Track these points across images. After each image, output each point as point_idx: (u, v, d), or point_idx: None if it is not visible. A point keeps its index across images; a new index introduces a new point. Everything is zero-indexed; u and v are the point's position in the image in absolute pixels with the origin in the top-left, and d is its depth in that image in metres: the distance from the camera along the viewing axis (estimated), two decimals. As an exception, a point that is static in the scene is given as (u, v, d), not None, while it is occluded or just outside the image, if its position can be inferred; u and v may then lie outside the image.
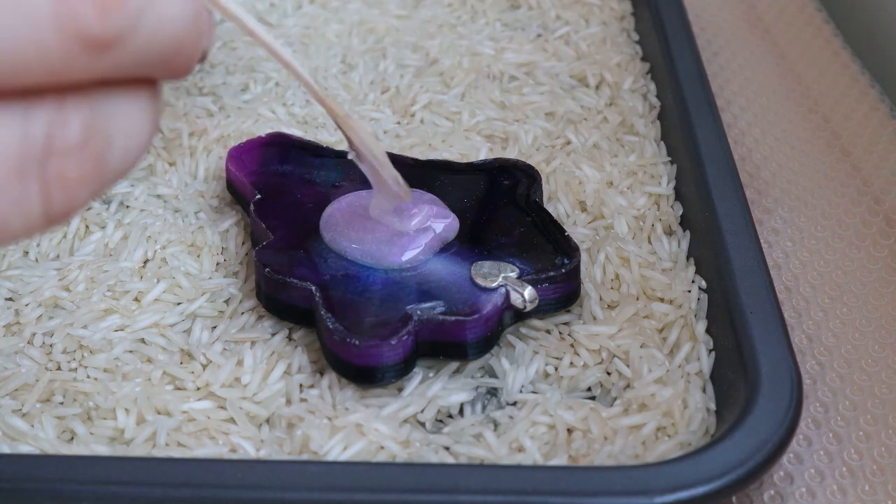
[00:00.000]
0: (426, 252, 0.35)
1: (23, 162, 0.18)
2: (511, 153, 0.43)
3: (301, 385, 0.34)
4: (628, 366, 0.34)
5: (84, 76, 0.19)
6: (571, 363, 0.34)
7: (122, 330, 0.35)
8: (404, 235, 0.35)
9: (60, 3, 0.18)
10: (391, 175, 0.33)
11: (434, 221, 0.36)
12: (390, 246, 0.35)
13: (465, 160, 0.42)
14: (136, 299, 0.36)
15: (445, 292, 0.34)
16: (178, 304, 0.36)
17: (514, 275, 0.34)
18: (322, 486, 0.28)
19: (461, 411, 0.33)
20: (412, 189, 0.35)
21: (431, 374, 0.34)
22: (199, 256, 0.38)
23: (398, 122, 0.46)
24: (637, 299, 0.36)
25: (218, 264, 0.38)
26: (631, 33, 0.51)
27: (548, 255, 0.35)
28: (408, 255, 0.35)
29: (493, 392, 0.34)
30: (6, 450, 0.31)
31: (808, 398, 0.35)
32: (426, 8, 0.54)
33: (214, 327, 0.36)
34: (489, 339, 0.33)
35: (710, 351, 0.34)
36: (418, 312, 0.33)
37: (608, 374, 0.34)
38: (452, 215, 0.36)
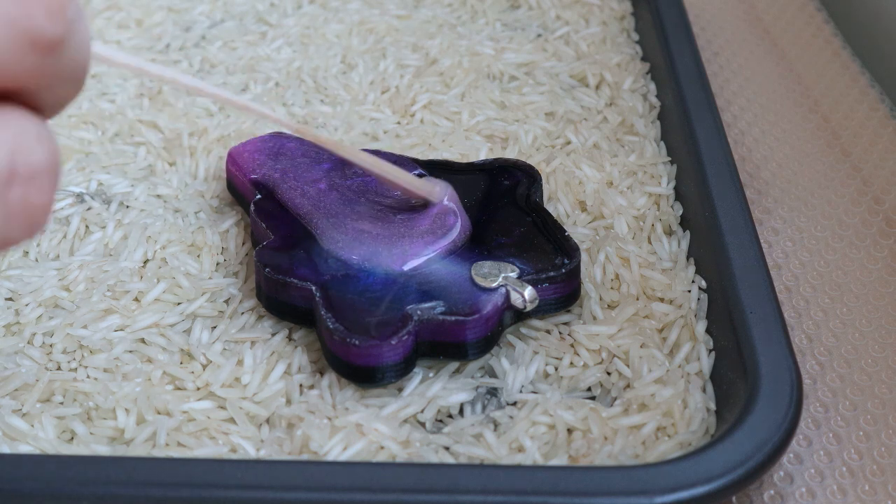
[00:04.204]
0: (437, 257, 0.35)
1: None
2: (511, 153, 0.43)
3: (301, 385, 0.34)
4: (628, 366, 0.34)
5: (26, 79, 0.18)
6: (571, 363, 0.34)
7: (122, 330, 0.35)
8: (408, 242, 0.35)
9: (13, 2, 0.18)
10: (417, 188, 0.35)
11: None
12: (391, 250, 0.35)
13: (465, 160, 0.42)
14: (136, 299, 0.36)
15: (445, 292, 0.34)
16: (178, 304, 0.36)
17: (514, 275, 0.34)
18: (322, 486, 0.28)
19: (461, 411, 0.33)
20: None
21: (431, 374, 0.34)
22: (199, 256, 0.38)
23: (398, 122, 0.46)
24: (637, 299, 0.36)
25: (218, 264, 0.38)
26: (631, 33, 0.51)
27: (548, 256, 0.35)
28: (410, 264, 0.35)
29: (493, 392, 0.34)
30: (6, 450, 0.31)
31: (808, 398, 0.35)
32: (426, 8, 0.54)
33: (214, 327, 0.36)
34: (489, 339, 0.33)
35: (710, 351, 0.34)
36: (418, 312, 0.33)
37: (608, 374, 0.34)
38: (466, 220, 0.36)
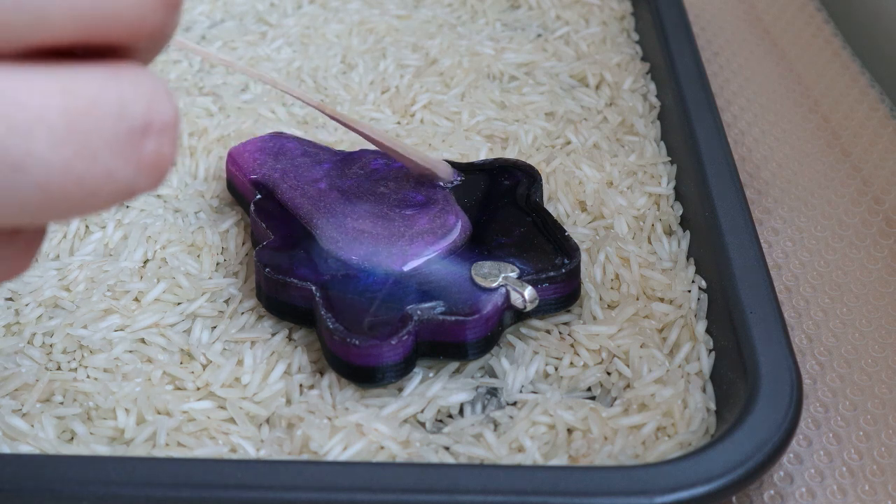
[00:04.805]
0: (437, 257, 0.35)
1: (122, 133, 0.18)
2: (511, 153, 0.43)
3: (301, 385, 0.34)
4: (628, 366, 0.34)
5: (151, 35, 0.19)
6: (571, 363, 0.34)
7: (122, 330, 0.35)
8: (408, 242, 0.35)
9: None
10: (425, 162, 0.36)
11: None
12: (391, 250, 0.35)
13: (465, 160, 0.42)
14: (136, 299, 0.36)
15: (445, 292, 0.34)
16: (178, 304, 0.36)
17: (514, 275, 0.34)
18: (322, 486, 0.28)
19: (461, 411, 0.33)
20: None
21: (431, 374, 0.34)
22: (199, 256, 0.38)
23: (398, 122, 0.46)
24: (637, 299, 0.36)
25: (218, 264, 0.38)
26: (631, 33, 0.51)
27: (548, 256, 0.35)
28: (410, 264, 0.35)
29: (493, 392, 0.34)
30: (6, 450, 0.31)
31: (808, 398, 0.35)
32: (426, 8, 0.54)
33: (214, 327, 0.36)
34: (489, 339, 0.33)
35: (710, 351, 0.34)
36: (418, 312, 0.33)
37: (608, 374, 0.34)
38: (466, 220, 0.36)
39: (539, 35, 0.51)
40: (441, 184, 0.38)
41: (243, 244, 0.39)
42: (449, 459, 0.31)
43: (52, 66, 0.18)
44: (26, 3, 0.17)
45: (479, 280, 0.34)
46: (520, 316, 0.35)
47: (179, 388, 0.34)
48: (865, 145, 0.46)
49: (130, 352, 0.35)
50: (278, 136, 0.41)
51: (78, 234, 0.39)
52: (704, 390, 0.33)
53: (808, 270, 0.40)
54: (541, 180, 0.39)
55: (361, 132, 0.36)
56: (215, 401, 0.33)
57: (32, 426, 0.32)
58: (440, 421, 0.33)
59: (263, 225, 0.37)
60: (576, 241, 0.36)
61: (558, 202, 0.41)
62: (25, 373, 0.34)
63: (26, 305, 0.36)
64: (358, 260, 0.35)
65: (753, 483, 0.29)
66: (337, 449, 0.31)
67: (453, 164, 0.40)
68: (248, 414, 0.33)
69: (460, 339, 0.33)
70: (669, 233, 0.39)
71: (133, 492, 0.28)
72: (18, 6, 0.17)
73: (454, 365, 0.34)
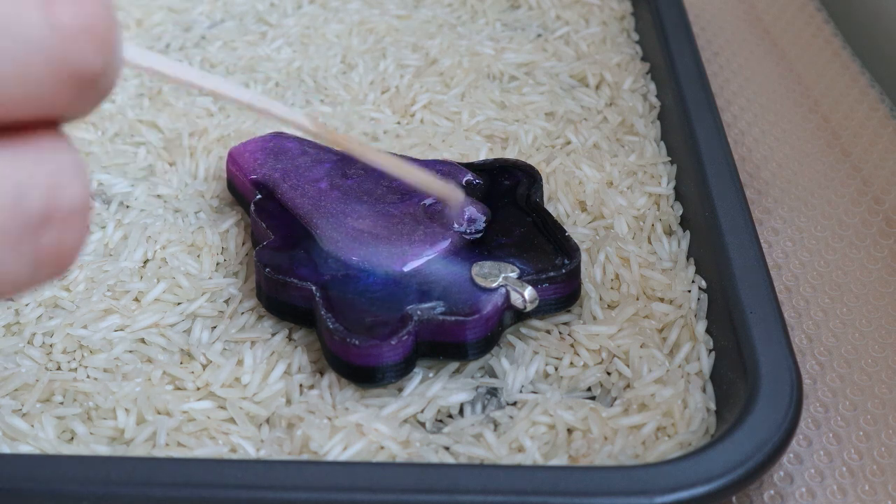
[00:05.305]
0: (437, 257, 0.35)
1: (16, 226, 0.16)
2: (511, 153, 0.43)
3: (301, 385, 0.34)
4: (628, 366, 0.34)
5: (62, 110, 0.17)
6: (571, 363, 0.34)
7: (122, 330, 0.35)
8: (408, 242, 0.35)
9: (57, 30, 0.16)
10: (435, 187, 0.34)
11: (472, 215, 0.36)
12: (391, 250, 0.35)
13: (465, 160, 0.42)
14: (136, 299, 0.36)
15: (446, 292, 0.34)
16: (178, 304, 0.36)
17: (514, 275, 0.34)
18: (322, 486, 0.28)
19: (461, 411, 0.33)
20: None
21: (431, 374, 0.34)
22: (199, 256, 0.38)
23: (398, 122, 0.46)
24: (637, 299, 0.36)
25: (218, 264, 0.38)
26: (631, 33, 0.51)
27: (548, 256, 0.35)
28: (410, 265, 0.35)
29: (493, 392, 0.34)
30: (6, 450, 0.31)
31: (808, 398, 0.35)
32: (426, 8, 0.54)
33: (214, 327, 0.36)
34: (489, 340, 0.33)
35: (710, 351, 0.34)
36: (418, 312, 0.33)
37: (608, 374, 0.34)
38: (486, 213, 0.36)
39: (539, 35, 0.51)
40: (450, 219, 0.36)
41: (243, 244, 0.39)
42: (449, 459, 0.31)
43: None
44: None
45: (479, 280, 0.34)
46: (520, 316, 0.35)
47: (179, 388, 0.34)
48: (865, 145, 0.46)
49: (130, 352, 0.35)
50: (278, 136, 0.41)
51: (78, 234, 0.39)
52: (704, 390, 0.33)
53: (808, 270, 0.40)
54: (541, 180, 0.39)
55: (368, 158, 0.34)
56: (215, 401, 0.33)
57: (32, 426, 0.32)
58: (440, 421, 0.33)
59: (263, 225, 0.37)
60: (576, 241, 0.36)
61: (558, 202, 0.41)
62: (25, 373, 0.34)
63: (26, 305, 0.36)
64: (358, 260, 0.35)
65: (753, 483, 0.29)
66: (337, 449, 0.31)
67: (454, 164, 0.40)
68: (248, 414, 0.33)
69: (460, 339, 0.33)
70: (669, 233, 0.39)
71: (133, 492, 0.28)
72: None
73: (454, 365, 0.34)
